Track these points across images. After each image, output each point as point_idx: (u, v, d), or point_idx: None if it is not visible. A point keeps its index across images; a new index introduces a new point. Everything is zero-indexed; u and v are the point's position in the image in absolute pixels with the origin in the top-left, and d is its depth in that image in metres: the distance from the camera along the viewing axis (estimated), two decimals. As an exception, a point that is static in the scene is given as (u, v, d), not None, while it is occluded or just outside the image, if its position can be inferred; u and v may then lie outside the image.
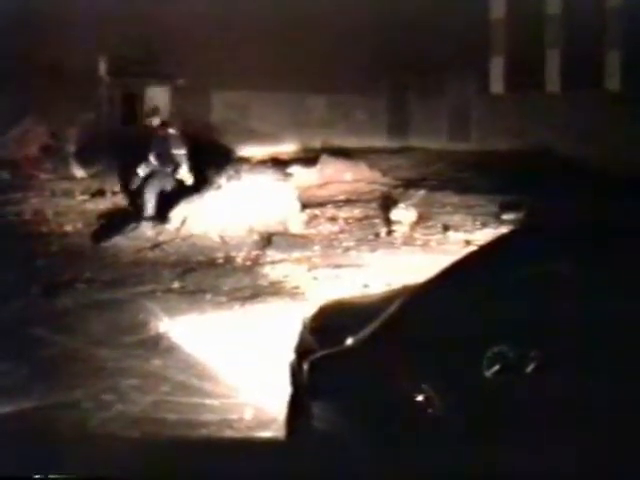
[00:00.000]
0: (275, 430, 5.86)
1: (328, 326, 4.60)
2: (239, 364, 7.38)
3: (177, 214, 12.57)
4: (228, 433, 6.10)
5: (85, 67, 16.93)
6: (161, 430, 6.16)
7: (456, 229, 12.32)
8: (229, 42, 17.66)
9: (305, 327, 4.90)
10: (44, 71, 15.83)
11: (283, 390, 5.23)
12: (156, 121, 13.96)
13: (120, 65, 17.94)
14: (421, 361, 3.52)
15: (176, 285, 10.13)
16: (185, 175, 13.30)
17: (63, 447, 5.96)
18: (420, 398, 3.45)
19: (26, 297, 9.57)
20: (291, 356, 4.97)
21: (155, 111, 14.39)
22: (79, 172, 15.89)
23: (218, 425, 6.27)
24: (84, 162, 15.98)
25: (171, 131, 13.77)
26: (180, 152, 13.48)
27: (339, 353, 3.96)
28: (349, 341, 3.95)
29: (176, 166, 13.36)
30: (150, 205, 12.85)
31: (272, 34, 17.55)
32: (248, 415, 6.46)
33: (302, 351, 4.68)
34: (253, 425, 6.28)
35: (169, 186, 13.11)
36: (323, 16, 17.62)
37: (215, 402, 6.66)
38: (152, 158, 13.42)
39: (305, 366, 4.16)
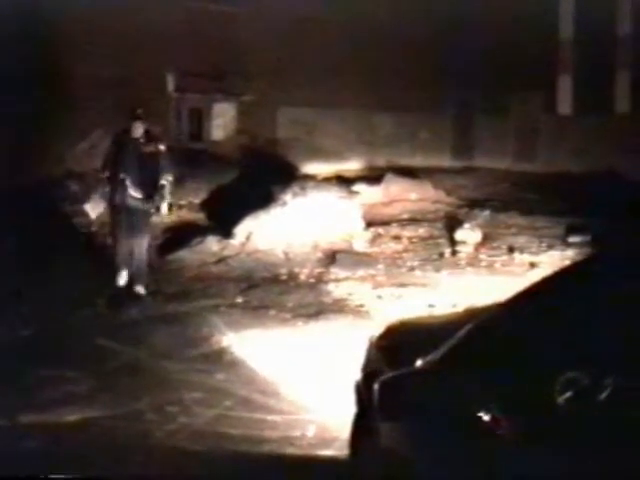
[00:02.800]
0: (337, 449, 5.84)
1: (396, 345, 4.58)
2: (302, 381, 7.39)
3: (242, 229, 12.60)
4: (289, 450, 6.10)
5: (153, 83, 17.05)
6: (223, 444, 6.17)
7: (521, 251, 12.20)
8: (295, 59, 17.70)
9: (372, 345, 4.87)
10: (112, 87, 15.97)
11: (346, 408, 5.21)
12: (139, 130, 10.27)
13: (187, 81, 18.04)
14: (491, 382, 3.47)
15: (240, 300, 10.18)
16: (163, 211, 10.61)
17: (127, 456, 6.07)
18: (488, 419, 3.41)
19: (93, 308, 9.69)
20: (357, 375, 4.95)
21: (138, 116, 10.31)
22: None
23: (280, 442, 6.27)
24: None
25: (161, 147, 10.43)
26: (167, 179, 10.38)
27: (409, 374, 3.92)
28: (418, 362, 3.91)
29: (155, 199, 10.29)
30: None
31: (338, 52, 17.56)
32: (310, 432, 6.46)
33: (369, 370, 4.67)
34: (315, 443, 6.26)
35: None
36: (389, 34, 17.62)
37: (277, 418, 6.67)
38: (129, 183, 10.10)
39: (375, 386, 4.12)
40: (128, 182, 10.17)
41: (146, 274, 10.27)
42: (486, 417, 3.44)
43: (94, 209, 13.52)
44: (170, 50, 16.71)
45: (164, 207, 10.52)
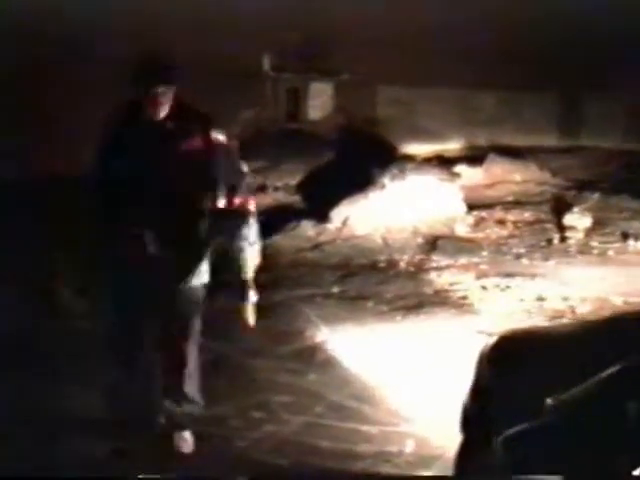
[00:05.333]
0: (439, 469, 5.23)
1: (513, 361, 3.93)
2: (400, 386, 6.78)
3: (339, 213, 12.06)
4: (385, 469, 5.49)
5: (249, 63, 16.67)
6: (310, 459, 5.63)
7: (636, 237, 11.43)
8: (395, 37, 17.14)
9: (483, 359, 4.22)
10: (211, 69, 15.61)
11: (451, 420, 4.62)
12: (164, 105, 5.60)
13: (284, 61, 17.66)
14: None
15: (336, 290, 9.62)
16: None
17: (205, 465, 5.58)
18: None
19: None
20: (464, 391, 4.31)
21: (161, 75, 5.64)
22: (242, 167, 15.60)
23: (374, 458, 5.68)
24: (247, 157, 15.72)
25: (221, 138, 5.84)
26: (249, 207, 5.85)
27: (542, 426, 3.25)
28: (548, 402, 3.26)
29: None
30: None
31: (440, 30, 16.94)
32: (409, 448, 5.86)
33: (478, 389, 4.04)
34: (414, 461, 5.65)
35: None
36: (493, 11, 16.94)
37: (373, 430, 6.07)
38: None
39: (498, 441, 3.43)
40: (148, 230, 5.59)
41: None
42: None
43: None
44: (267, 29, 16.30)
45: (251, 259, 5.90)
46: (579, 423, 3.09)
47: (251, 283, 5.93)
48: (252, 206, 5.83)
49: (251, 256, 5.84)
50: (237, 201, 5.72)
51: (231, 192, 5.72)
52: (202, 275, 5.89)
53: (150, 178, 5.56)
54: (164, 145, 5.58)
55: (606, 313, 8.58)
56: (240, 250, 5.77)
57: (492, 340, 4.32)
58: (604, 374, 3.13)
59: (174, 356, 5.80)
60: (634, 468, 2.85)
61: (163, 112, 5.58)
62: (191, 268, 5.77)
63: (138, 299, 5.67)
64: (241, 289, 5.90)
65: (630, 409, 2.98)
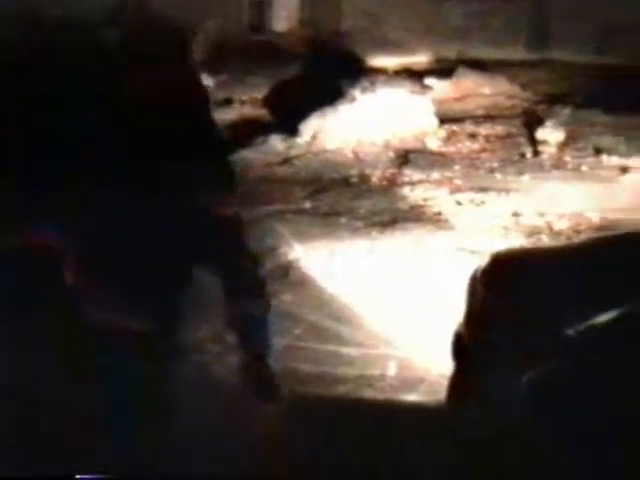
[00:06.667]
0: (423, 393, 5.10)
1: (507, 284, 3.74)
2: (381, 305, 6.63)
3: (308, 127, 11.83)
4: (368, 393, 5.36)
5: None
6: (292, 385, 5.46)
7: (609, 152, 11.30)
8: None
9: (475, 282, 4.03)
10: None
11: (434, 341, 4.48)
12: None
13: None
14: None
15: (308, 206, 9.44)
16: None
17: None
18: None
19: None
20: (446, 310, 4.14)
21: None
22: (205, 81, 15.28)
23: (356, 382, 5.55)
24: (210, 70, 15.41)
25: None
26: None
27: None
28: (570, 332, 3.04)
29: None
30: None
31: None
32: (391, 371, 5.72)
33: (472, 314, 3.86)
34: (397, 384, 5.52)
35: None
36: None
37: (353, 352, 5.93)
38: None
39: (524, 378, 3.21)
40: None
41: None
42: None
43: None
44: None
45: None
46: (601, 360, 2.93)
47: None
48: None
49: None
50: None
51: None
52: None
53: None
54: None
55: (583, 229, 8.54)
56: None
57: (484, 262, 4.14)
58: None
59: None
60: None
61: None
62: None
63: None
64: None
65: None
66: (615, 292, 3.10)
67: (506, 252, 4.46)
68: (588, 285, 3.24)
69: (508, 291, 3.67)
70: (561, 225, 8.71)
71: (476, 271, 4.09)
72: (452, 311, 4.37)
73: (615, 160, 11.01)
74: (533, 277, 3.62)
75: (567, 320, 3.09)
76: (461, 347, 3.94)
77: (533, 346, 3.13)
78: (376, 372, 5.72)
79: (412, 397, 5.33)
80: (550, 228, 8.66)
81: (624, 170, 10.62)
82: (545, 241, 8.06)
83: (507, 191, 9.81)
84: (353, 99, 12.23)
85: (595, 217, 8.94)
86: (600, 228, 8.50)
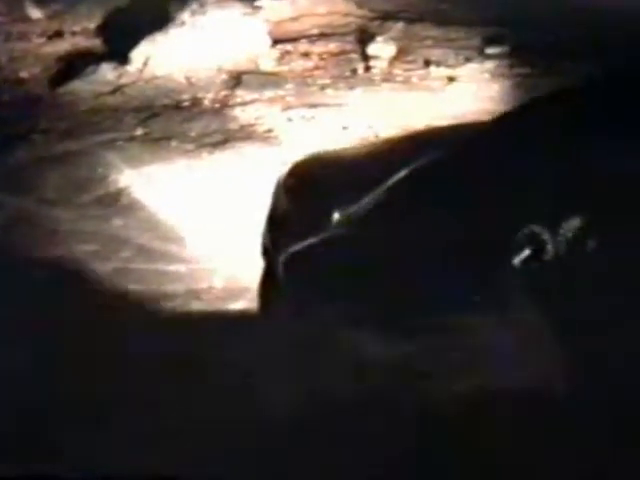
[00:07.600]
0: (249, 301, 5.22)
1: (307, 186, 3.86)
2: (207, 223, 6.71)
3: (138, 54, 11.63)
4: (196, 306, 5.47)
5: None
6: (124, 304, 5.53)
7: (438, 64, 11.51)
8: None
9: (280, 186, 4.13)
10: None
11: (257, 255, 4.59)
12: None
13: None
14: (434, 238, 2.75)
15: (139, 132, 9.37)
16: None
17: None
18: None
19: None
20: (264, 221, 4.25)
21: None
22: (35, 13, 14.86)
23: (185, 297, 5.65)
24: (40, 1, 15.00)
25: None
26: None
27: (324, 243, 3.20)
28: (336, 216, 3.18)
29: None
30: None
31: None
32: (218, 284, 5.82)
33: (277, 217, 3.97)
34: (223, 295, 5.64)
35: None
36: None
37: (181, 268, 6.02)
38: None
39: (282, 258, 3.37)
40: None
41: None
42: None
43: None
44: None
45: None
46: (370, 235, 3.06)
47: None
48: None
49: None
50: None
51: None
52: None
53: None
54: None
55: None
56: None
57: (287, 168, 4.25)
58: (390, 182, 3.09)
59: None
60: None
61: None
62: None
63: None
64: None
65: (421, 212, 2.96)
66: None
67: (305, 157, 4.58)
68: (373, 176, 3.37)
69: (304, 191, 3.79)
70: (387, 133, 8.87)
71: (279, 176, 4.21)
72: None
73: (443, 71, 11.31)
74: (326, 175, 3.75)
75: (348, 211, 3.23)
76: (265, 248, 4.06)
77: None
78: (204, 285, 5.84)
79: (238, 305, 5.47)
80: (377, 137, 8.82)
81: (451, 80, 10.84)
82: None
83: (338, 106, 9.94)
84: (182, 23, 12.10)
85: (420, 124, 9.13)
86: (424, 134, 8.72)
